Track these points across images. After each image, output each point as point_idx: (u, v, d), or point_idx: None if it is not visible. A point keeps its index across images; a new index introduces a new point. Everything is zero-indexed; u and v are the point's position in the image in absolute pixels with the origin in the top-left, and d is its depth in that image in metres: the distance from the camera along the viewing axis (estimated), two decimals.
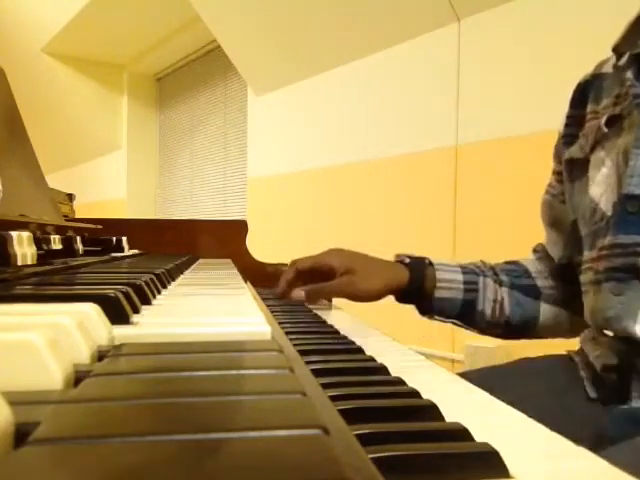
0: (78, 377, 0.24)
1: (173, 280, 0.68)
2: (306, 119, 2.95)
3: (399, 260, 0.82)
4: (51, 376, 0.23)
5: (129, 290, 0.42)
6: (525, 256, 0.89)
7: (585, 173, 0.72)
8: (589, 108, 0.75)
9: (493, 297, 0.81)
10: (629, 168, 0.64)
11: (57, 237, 0.78)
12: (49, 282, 0.55)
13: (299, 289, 0.77)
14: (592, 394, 0.68)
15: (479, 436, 0.26)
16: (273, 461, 0.15)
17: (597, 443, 0.48)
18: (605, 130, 0.69)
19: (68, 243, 0.83)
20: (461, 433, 0.26)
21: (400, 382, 0.36)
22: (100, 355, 0.28)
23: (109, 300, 0.37)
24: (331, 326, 0.61)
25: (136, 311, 0.41)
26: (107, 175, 5.36)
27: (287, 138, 3.10)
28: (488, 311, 0.81)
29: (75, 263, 0.74)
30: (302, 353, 0.39)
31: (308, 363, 0.36)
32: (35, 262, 0.64)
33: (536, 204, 0.87)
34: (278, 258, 1.14)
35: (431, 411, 0.29)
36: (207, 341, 0.33)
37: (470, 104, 2.12)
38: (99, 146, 5.28)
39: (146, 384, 0.24)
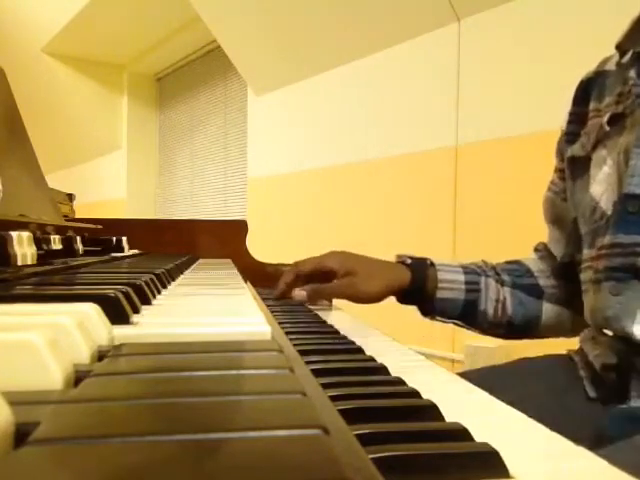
0: (78, 377, 0.24)
1: (173, 280, 0.68)
2: (306, 119, 2.95)
3: (400, 261, 0.81)
4: (51, 376, 0.23)
5: (129, 290, 0.42)
6: (525, 256, 0.89)
7: (586, 171, 0.72)
8: (592, 106, 0.75)
9: (495, 297, 0.81)
10: (630, 168, 0.64)
11: (57, 237, 0.78)
12: (49, 282, 0.55)
13: (300, 289, 0.76)
14: (591, 393, 0.68)
15: (479, 436, 0.26)
16: (273, 461, 0.15)
17: (597, 442, 0.49)
18: (607, 128, 0.69)
19: (68, 243, 0.83)
20: (461, 433, 0.26)
21: (400, 382, 0.36)
22: (100, 355, 0.28)
23: (109, 300, 0.37)
24: (331, 326, 0.61)
25: (136, 311, 0.41)
26: (107, 175, 5.36)
27: (287, 138, 3.10)
28: (490, 311, 0.81)
29: (75, 263, 0.74)
30: (302, 353, 0.39)
31: (308, 363, 0.36)
32: (35, 262, 0.64)
33: (536, 204, 0.87)
34: (278, 258, 1.14)
35: (431, 411, 0.29)
36: (207, 341, 0.33)
37: (470, 104, 2.12)
38: (99, 146, 5.28)
39: (146, 384, 0.24)
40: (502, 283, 0.82)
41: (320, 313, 0.73)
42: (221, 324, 0.38)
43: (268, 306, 0.67)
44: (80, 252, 0.88)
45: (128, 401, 0.21)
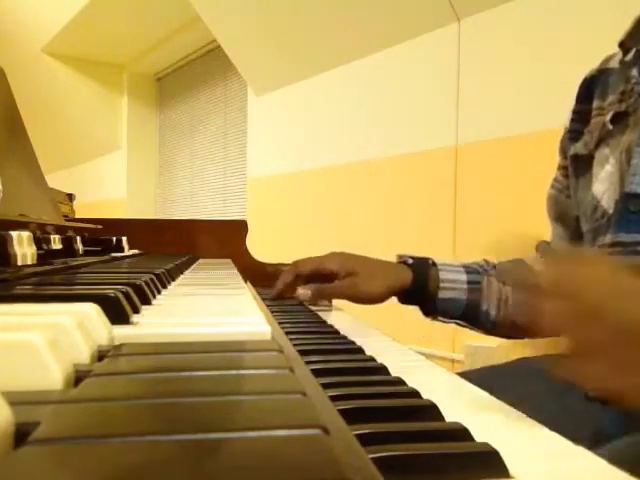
0: (78, 377, 0.24)
1: (173, 280, 0.68)
2: (306, 119, 2.95)
3: (401, 261, 0.81)
4: (51, 376, 0.23)
5: (129, 290, 0.42)
6: None
7: (589, 170, 0.72)
8: (595, 104, 0.75)
9: (497, 296, 0.80)
10: (632, 167, 0.64)
11: (57, 237, 0.78)
12: (49, 282, 0.55)
13: (304, 288, 0.76)
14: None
15: (479, 436, 0.26)
16: (273, 461, 0.15)
17: (596, 442, 0.48)
18: (610, 127, 0.69)
19: (68, 243, 0.83)
20: (461, 433, 0.26)
21: (400, 382, 0.36)
22: (100, 355, 0.28)
23: (109, 300, 0.37)
24: (331, 326, 0.61)
25: (136, 311, 0.41)
26: (107, 175, 5.35)
27: (287, 138, 3.10)
28: (493, 311, 0.80)
29: (75, 263, 0.74)
30: (302, 353, 0.39)
31: (308, 363, 0.36)
32: (35, 262, 0.64)
33: (536, 204, 0.87)
34: (278, 258, 1.14)
35: (431, 411, 0.29)
36: (207, 341, 0.33)
37: (470, 104, 2.12)
38: (99, 146, 5.28)
39: (146, 384, 0.24)
40: (504, 282, 0.81)
41: (320, 313, 0.73)
42: (221, 324, 0.38)
43: (268, 306, 0.67)
44: (80, 252, 0.88)
45: (128, 401, 0.21)
